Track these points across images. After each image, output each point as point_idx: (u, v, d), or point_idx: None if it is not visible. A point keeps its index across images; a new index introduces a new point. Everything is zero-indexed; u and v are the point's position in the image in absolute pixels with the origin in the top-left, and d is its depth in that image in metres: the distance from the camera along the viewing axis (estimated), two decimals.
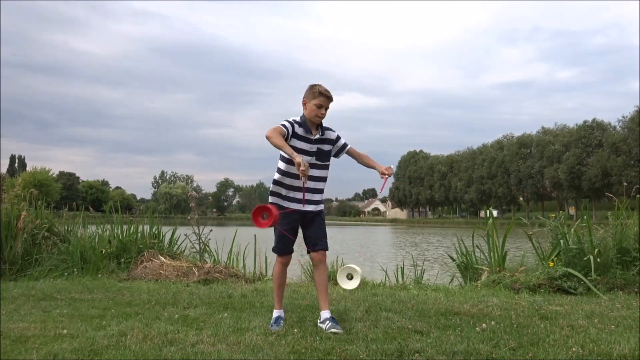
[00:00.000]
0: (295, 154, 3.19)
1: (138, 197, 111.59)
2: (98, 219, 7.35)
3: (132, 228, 6.75)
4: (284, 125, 3.39)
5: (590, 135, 55.60)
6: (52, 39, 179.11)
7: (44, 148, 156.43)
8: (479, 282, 5.56)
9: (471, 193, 72.19)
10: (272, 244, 3.62)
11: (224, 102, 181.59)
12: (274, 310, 3.62)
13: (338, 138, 3.65)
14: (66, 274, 5.98)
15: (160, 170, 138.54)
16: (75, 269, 6.08)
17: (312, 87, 3.49)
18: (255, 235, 6.58)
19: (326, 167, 3.60)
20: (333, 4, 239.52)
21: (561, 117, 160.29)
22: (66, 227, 7.00)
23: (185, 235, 6.68)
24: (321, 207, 3.60)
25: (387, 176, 3.55)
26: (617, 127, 54.00)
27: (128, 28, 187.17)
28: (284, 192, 3.52)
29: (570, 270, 5.08)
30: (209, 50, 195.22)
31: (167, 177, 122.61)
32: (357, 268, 3.56)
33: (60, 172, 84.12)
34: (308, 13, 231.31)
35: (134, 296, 4.60)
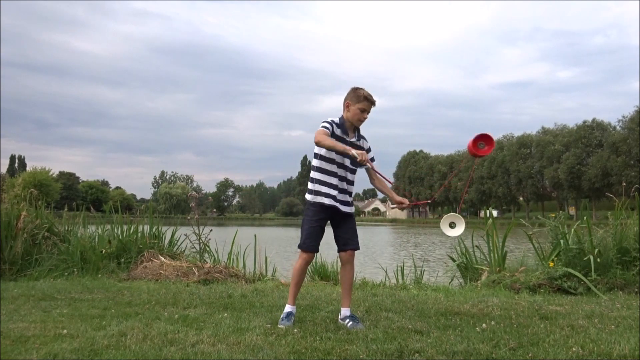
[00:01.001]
0: (348, 147, 3.36)
1: (138, 197, 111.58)
2: (98, 219, 7.34)
3: (132, 228, 6.75)
4: (325, 127, 3.46)
5: (590, 135, 55.60)
6: (52, 39, 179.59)
7: (44, 148, 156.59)
8: (479, 282, 5.56)
9: (471, 193, 72.21)
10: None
11: (224, 102, 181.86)
12: (287, 305, 3.61)
13: (369, 150, 3.69)
14: (66, 274, 5.98)
15: (160, 170, 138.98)
16: (75, 269, 6.08)
17: (355, 90, 3.54)
18: (255, 235, 6.59)
19: (355, 172, 3.65)
20: (334, 4, 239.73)
21: (561, 117, 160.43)
22: (66, 227, 6.99)
23: (185, 235, 6.68)
24: (352, 209, 3.65)
25: (403, 206, 3.61)
26: (617, 127, 54.05)
27: (128, 28, 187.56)
28: (325, 189, 3.54)
29: (570, 270, 5.07)
30: (209, 50, 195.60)
31: (167, 177, 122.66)
32: (460, 217, 3.57)
33: (60, 172, 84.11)
34: (308, 13, 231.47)
35: (134, 296, 4.60)
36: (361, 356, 2.70)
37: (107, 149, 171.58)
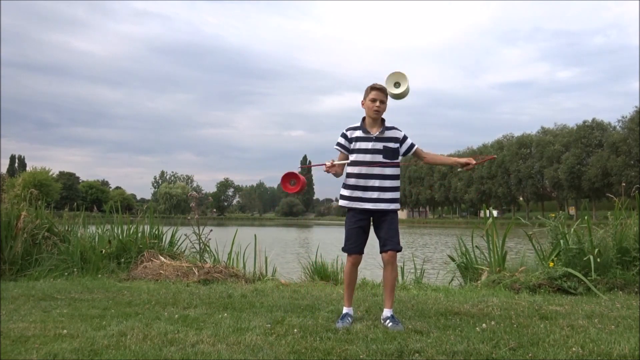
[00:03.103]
0: (327, 162, 3.54)
1: (138, 197, 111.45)
2: (98, 219, 7.34)
3: (132, 228, 6.75)
4: (338, 147, 3.66)
5: (590, 135, 55.57)
6: (52, 39, 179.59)
7: (44, 148, 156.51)
8: (479, 282, 5.56)
9: (471, 193, 72.18)
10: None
11: (224, 102, 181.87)
12: (343, 307, 3.66)
13: (405, 137, 3.70)
14: (66, 274, 5.98)
15: (160, 170, 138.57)
16: (75, 269, 6.08)
17: (366, 87, 3.65)
18: (255, 235, 6.58)
19: (395, 165, 3.67)
20: (334, 4, 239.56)
21: (561, 117, 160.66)
22: (66, 227, 6.99)
23: (185, 235, 6.68)
24: (393, 206, 3.67)
25: (470, 166, 3.65)
26: (617, 127, 54.01)
27: (128, 28, 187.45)
28: (347, 193, 3.64)
29: (570, 270, 5.07)
30: (210, 50, 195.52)
31: (167, 177, 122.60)
32: (405, 74, 3.55)
33: (60, 172, 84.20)
34: (309, 13, 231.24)
35: (134, 296, 4.60)
36: (361, 356, 2.70)
37: (107, 149, 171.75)
